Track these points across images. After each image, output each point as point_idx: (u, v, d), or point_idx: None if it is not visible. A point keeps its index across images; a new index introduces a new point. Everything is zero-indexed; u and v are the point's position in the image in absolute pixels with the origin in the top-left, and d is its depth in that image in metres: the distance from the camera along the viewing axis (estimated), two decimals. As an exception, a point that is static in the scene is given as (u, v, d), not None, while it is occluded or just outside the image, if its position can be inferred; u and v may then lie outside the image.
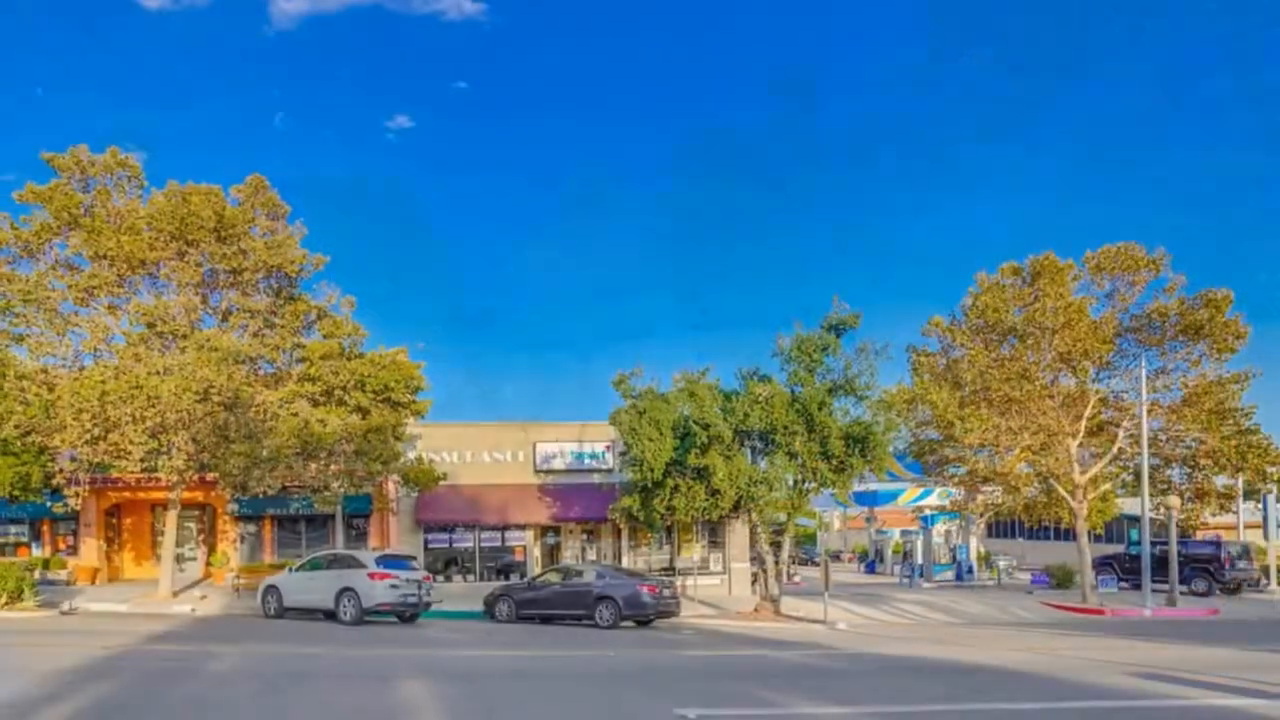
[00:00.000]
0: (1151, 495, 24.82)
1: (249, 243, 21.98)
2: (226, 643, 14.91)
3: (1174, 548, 24.79)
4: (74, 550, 26.49)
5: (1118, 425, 25.52)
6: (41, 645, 13.86)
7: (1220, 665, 13.02)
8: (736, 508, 22.46)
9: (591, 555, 27.57)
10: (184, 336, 21.51)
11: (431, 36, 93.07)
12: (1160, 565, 26.45)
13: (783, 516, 22.57)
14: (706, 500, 21.55)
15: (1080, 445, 25.03)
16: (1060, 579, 29.82)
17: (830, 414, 21.45)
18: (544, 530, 27.46)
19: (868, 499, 35.92)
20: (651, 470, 21.47)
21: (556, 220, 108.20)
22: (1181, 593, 25.87)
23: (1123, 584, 29.48)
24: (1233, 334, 23.27)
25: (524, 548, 27.23)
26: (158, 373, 20.22)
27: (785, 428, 21.32)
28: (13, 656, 12.52)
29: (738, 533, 27.73)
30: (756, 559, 24.59)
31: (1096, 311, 24.30)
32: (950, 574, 33.03)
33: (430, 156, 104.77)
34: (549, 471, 27.40)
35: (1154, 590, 24.32)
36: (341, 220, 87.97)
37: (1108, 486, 27.05)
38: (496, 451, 27.30)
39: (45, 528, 26.89)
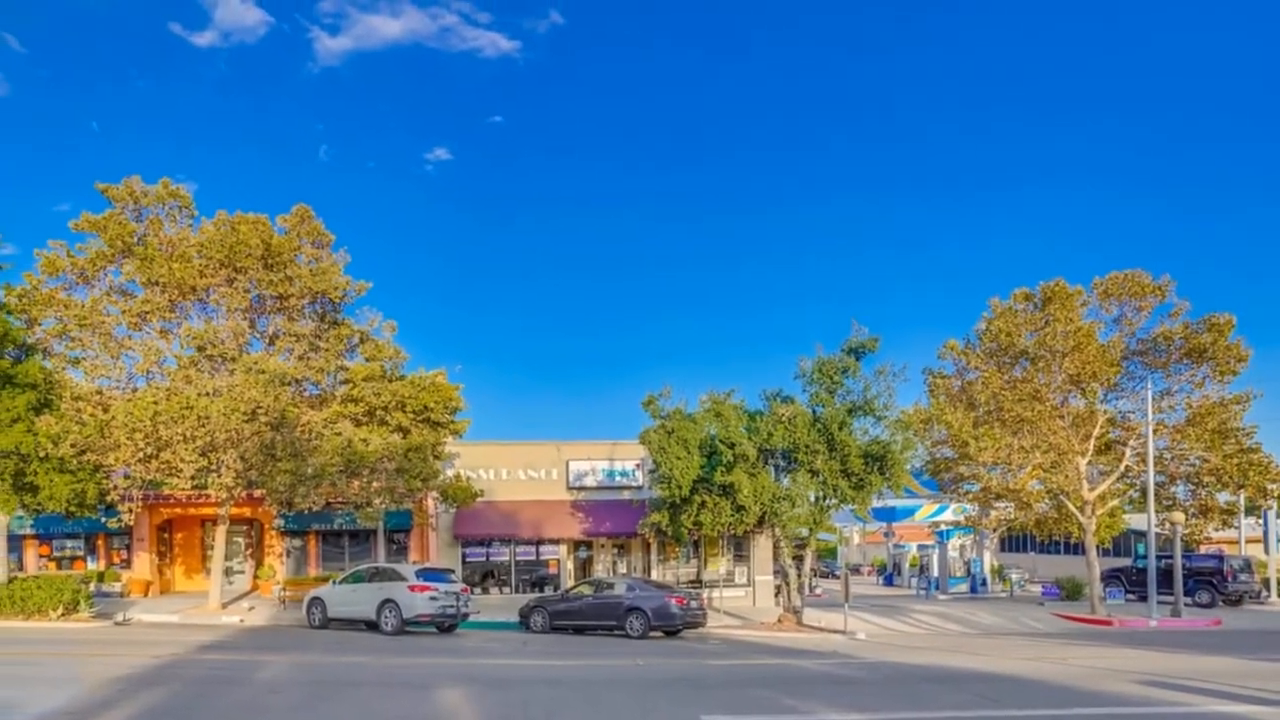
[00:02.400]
0: (1157, 511, 25.52)
1: (295, 270, 22.80)
2: (274, 652, 15.43)
3: (1178, 561, 25.47)
4: (127, 564, 27.34)
5: (1125, 444, 26.28)
6: (96, 655, 14.24)
7: (1223, 674, 13.56)
8: (760, 523, 23.20)
9: (622, 568, 28.23)
10: (232, 359, 22.33)
11: (469, 73, 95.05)
12: (1165, 578, 27.15)
13: (805, 531, 23.19)
14: (732, 516, 22.28)
15: (1089, 463, 25.73)
16: (1070, 591, 30.54)
17: (850, 433, 22.22)
18: (576, 545, 28.18)
19: (886, 515, 36.52)
20: (679, 487, 22.26)
21: (586, 246, 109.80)
22: (1186, 604, 26.53)
23: (1129, 596, 30.17)
24: (1235, 357, 24.05)
25: (557, 561, 27.93)
26: (207, 394, 20.97)
27: (807, 446, 22.12)
28: (69, 665, 12.94)
29: (762, 547, 28.43)
30: (779, 572, 25.21)
31: (1105, 335, 25.06)
32: (965, 586, 33.70)
33: (467, 187, 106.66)
34: (581, 488, 28.16)
35: (1159, 602, 25.01)
36: (383, 247, 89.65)
37: (1115, 503, 27.65)
38: (531, 469, 28.06)
39: (100, 542, 27.76)
